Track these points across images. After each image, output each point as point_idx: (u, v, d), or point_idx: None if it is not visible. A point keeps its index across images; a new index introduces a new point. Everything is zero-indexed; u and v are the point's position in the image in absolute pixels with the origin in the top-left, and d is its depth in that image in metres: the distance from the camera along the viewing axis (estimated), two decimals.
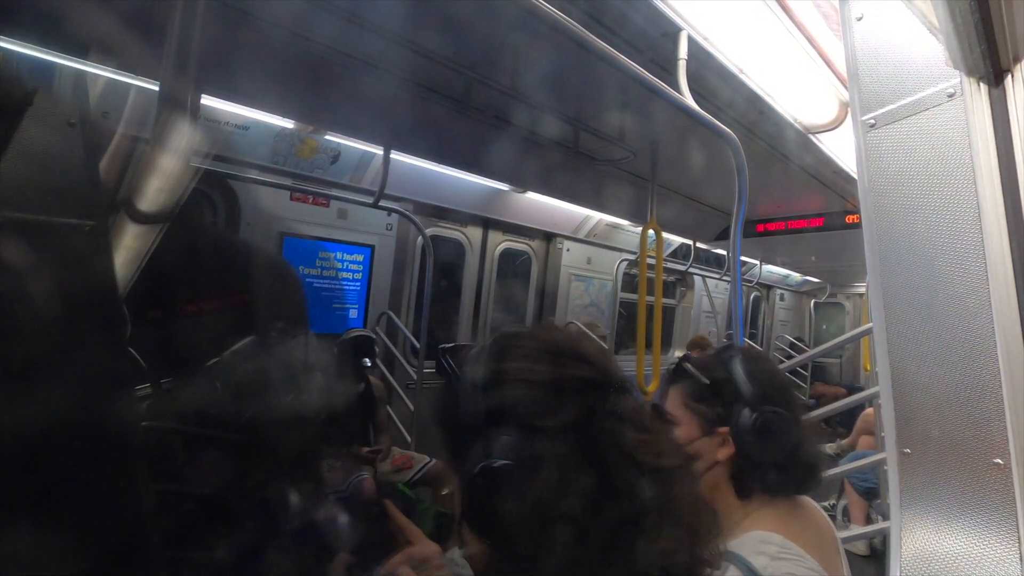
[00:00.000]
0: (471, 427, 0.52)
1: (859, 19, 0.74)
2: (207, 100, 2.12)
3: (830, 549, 0.83)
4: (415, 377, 3.46)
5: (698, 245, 4.94)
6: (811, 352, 3.29)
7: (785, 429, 0.82)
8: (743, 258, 3.36)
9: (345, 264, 3.33)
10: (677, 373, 0.94)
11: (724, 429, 0.85)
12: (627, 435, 0.50)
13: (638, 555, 0.46)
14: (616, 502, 0.47)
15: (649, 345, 3.00)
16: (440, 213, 3.72)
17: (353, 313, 3.41)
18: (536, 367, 0.53)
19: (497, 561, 0.52)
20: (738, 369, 0.87)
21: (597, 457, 0.49)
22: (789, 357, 7.40)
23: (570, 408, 0.50)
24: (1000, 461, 0.61)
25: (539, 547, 0.46)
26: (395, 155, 2.70)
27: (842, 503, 3.55)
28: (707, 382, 0.89)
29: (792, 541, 0.76)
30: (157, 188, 0.81)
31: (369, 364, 2.79)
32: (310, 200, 3.08)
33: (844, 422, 5.15)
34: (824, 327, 8.45)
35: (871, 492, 3.12)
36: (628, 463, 0.49)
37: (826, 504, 3.81)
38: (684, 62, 1.60)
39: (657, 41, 1.69)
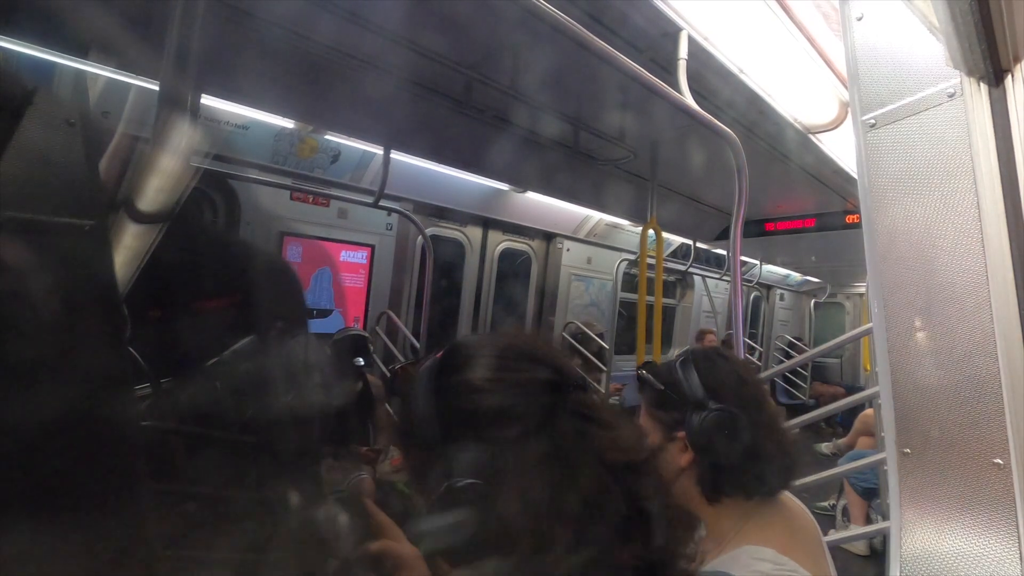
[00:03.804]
0: (430, 447, 0.49)
1: (859, 19, 0.74)
2: (207, 100, 2.12)
3: (817, 550, 0.82)
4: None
5: (698, 245, 4.94)
6: (811, 352, 3.29)
7: (736, 425, 0.80)
8: (743, 258, 3.36)
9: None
10: (639, 383, 0.93)
11: (682, 433, 0.84)
12: (591, 434, 0.49)
13: (614, 556, 0.45)
14: (586, 504, 0.46)
15: (650, 344, 3.00)
16: (440, 213, 3.72)
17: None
18: (490, 375, 0.51)
19: None
20: (690, 371, 0.86)
21: (563, 461, 0.47)
22: (788, 356, 7.42)
23: (530, 413, 0.49)
24: (1000, 461, 0.61)
25: (513, 562, 0.44)
26: (395, 155, 2.70)
27: (842, 503, 3.55)
28: (662, 387, 0.88)
29: (783, 551, 0.74)
30: (157, 188, 0.80)
31: (362, 363, 2.77)
32: (310, 200, 3.08)
33: (844, 422, 5.16)
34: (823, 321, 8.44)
35: (871, 492, 3.12)
36: (595, 463, 0.47)
37: (826, 504, 3.82)
38: (684, 62, 1.60)
39: (657, 41, 1.69)
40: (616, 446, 0.49)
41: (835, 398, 3.35)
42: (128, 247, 0.77)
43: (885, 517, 2.41)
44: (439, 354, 0.55)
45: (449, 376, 0.52)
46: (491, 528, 0.45)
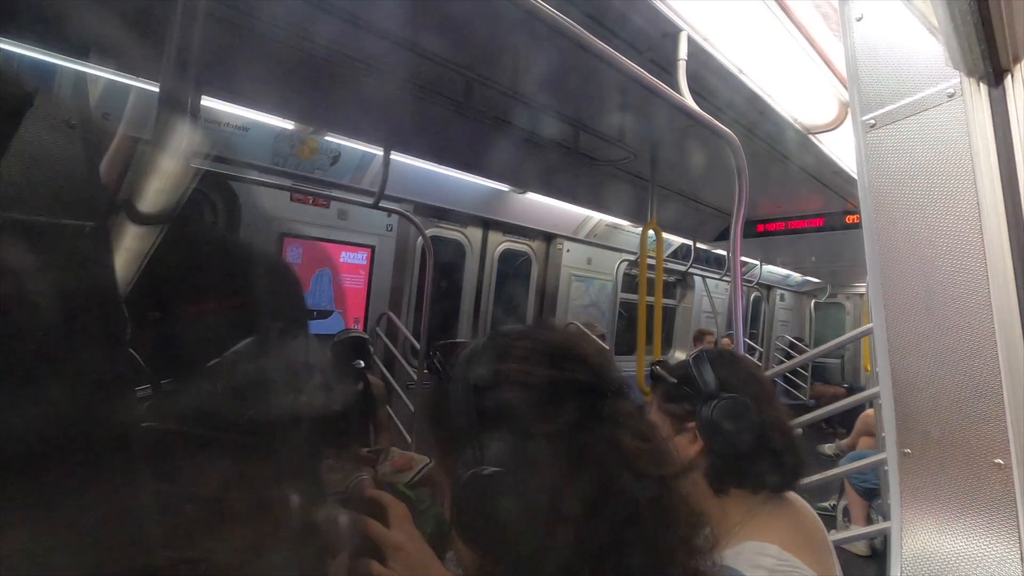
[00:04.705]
0: (462, 430, 0.50)
1: (859, 19, 0.74)
2: (207, 101, 2.12)
3: (822, 550, 0.82)
4: (415, 378, 3.46)
5: (698, 245, 4.94)
6: (811, 352, 3.29)
7: (746, 413, 0.82)
8: (743, 258, 3.36)
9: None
10: (652, 379, 0.96)
11: (693, 424, 0.86)
12: (624, 442, 0.49)
13: (631, 566, 0.45)
14: (610, 511, 0.46)
15: (650, 345, 3.00)
16: (440, 214, 3.72)
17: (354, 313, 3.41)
18: (532, 369, 0.51)
19: (489, 569, 0.50)
20: (704, 365, 0.88)
21: (592, 465, 0.47)
22: (789, 357, 7.41)
23: (566, 413, 0.48)
24: (1000, 461, 0.61)
25: (530, 557, 0.45)
26: (395, 156, 2.70)
27: (842, 503, 3.54)
28: (674, 381, 0.91)
29: (788, 549, 0.75)
30: (157, 189, 0.81)
31: (362, 365, 2.76)
32: (310, 201, 3.08)
33: (844, 422, 5.16)
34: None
35: (871, 492, 3.12)
36: (624, 471, 0.47)
37: (826, 504, 3.81)
38: (684, 62, 1.59)
39: (657, 41, 1.69)
40: (649, 458, 0.49)
41: (835, 398, 3.35)
42: (128, 248, 0.76)
43: (886, 517, 2.41)
44: (484, 340, 0.55)
45: (491, 364, 0.52)
46: (510, 519, 0.45)
